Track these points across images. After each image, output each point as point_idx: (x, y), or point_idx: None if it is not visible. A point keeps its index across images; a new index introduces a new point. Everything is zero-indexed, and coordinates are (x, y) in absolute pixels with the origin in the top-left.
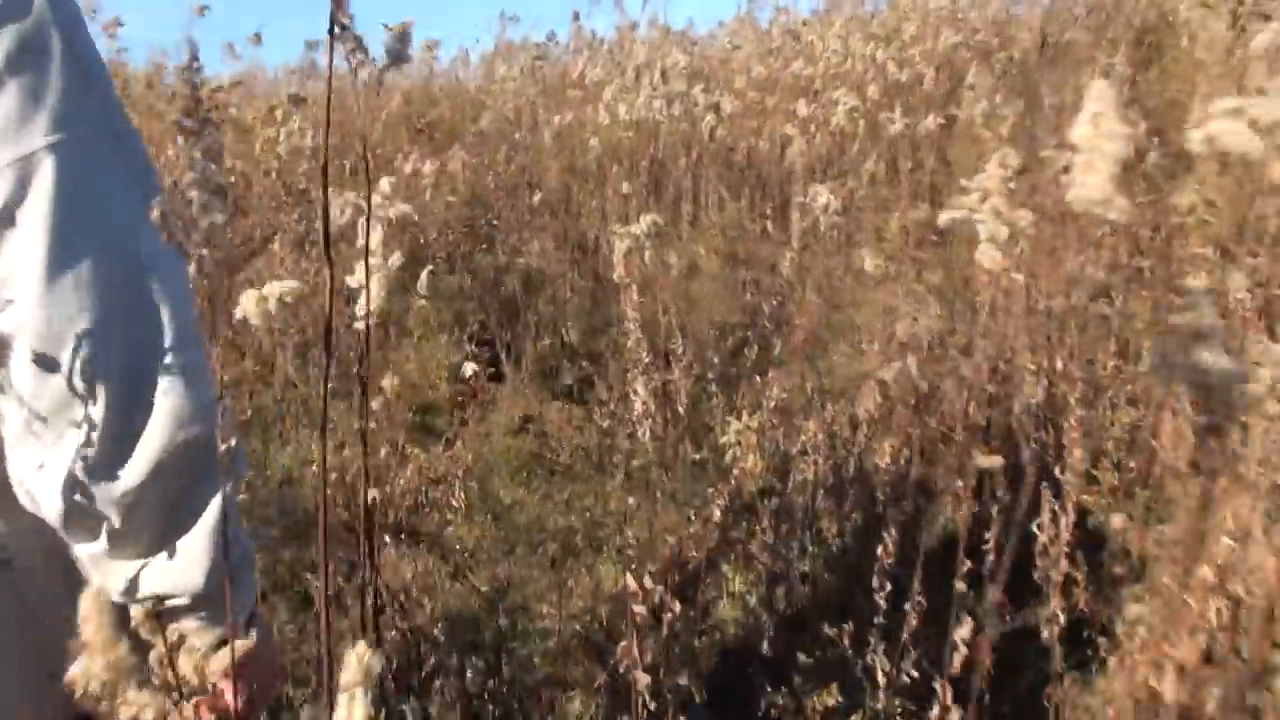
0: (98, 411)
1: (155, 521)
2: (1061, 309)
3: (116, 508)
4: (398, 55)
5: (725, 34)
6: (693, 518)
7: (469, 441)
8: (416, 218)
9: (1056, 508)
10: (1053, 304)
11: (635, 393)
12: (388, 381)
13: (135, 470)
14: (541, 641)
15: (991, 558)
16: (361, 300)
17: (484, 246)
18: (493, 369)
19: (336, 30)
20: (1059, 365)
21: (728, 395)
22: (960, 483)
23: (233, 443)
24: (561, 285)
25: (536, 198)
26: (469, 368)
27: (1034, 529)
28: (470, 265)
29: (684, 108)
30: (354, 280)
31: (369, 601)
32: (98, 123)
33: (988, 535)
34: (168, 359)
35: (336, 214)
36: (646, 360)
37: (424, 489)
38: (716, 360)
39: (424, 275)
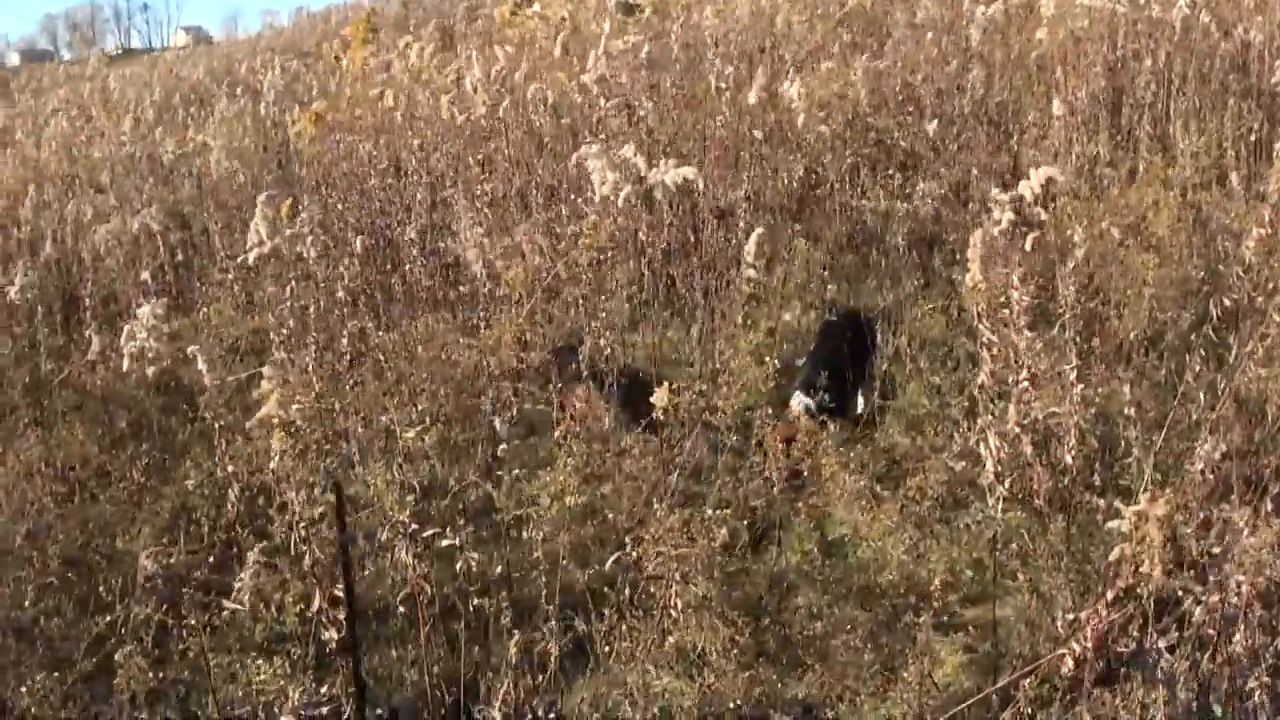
0: None
1: None
2: None
3: None
4: None
5: None
6: (1059, 623)
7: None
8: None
9: None
10: None
11: (987, 445)
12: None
13: None
14: None
15: None
16: None
17: (879, 178)
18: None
19: None
20: None
21: (1146, 427)
22: None
23: None
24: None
25: (937, 121)
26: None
27: None
28: (855, 207)
29: None
30: None
31: None
32: None
33: None
34: None
35: (597, 183)
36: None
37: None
38: (1130, 388)
39: (752, 240)
